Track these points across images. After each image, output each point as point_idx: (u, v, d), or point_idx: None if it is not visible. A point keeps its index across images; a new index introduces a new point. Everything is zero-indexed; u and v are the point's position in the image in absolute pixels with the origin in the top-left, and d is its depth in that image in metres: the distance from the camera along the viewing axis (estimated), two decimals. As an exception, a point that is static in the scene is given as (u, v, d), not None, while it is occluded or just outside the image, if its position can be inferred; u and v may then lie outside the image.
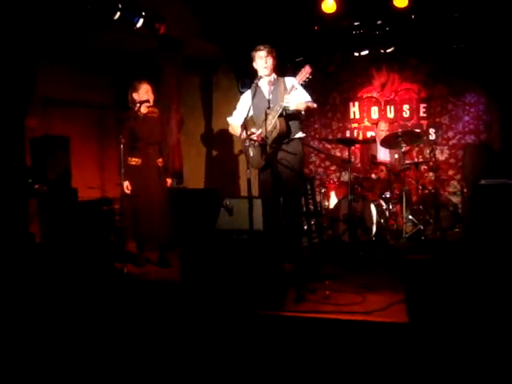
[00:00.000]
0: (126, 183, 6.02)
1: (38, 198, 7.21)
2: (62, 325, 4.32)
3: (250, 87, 5.76)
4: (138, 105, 6.02)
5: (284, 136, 5.43)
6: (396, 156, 8.00)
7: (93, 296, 4.76)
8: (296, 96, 5.36)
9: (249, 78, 6.95)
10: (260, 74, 5.61)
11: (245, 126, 5.26)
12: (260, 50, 5.56)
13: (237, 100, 6.01)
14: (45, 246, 6.98)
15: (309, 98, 5.58)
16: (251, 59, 5.68)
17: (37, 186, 7.13)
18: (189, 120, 9.04)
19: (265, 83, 5.66)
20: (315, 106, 5.66)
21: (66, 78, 8.37)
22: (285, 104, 5.28)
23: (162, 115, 6.43)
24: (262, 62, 5.57)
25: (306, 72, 5.13)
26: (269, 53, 5.55)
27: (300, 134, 5.65)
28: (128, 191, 6.01)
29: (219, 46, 8.65)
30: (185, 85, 8.92)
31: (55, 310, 4.52)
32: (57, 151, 7.59)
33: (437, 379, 3.23)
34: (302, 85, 5.28)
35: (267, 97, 5.58)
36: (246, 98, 5.78)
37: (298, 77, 5.20)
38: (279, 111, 5.31)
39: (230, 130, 5.95)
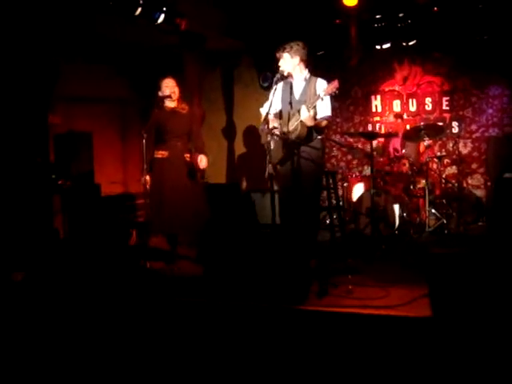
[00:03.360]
0: (148, 177, 5.99)
1: (61, 193, 7.28)
2: (85, 319, 4.36)
3: (271, 81, 5.69)
4: (163, 100, 6.05)
5: (303, 139, 5.33)
6: (419, 149, 7.94)
7: (116, 291, 4.80)
8: (319, 106, 5.29)
9: (270, 71, 6.93)
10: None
11: (267, 119, 5.24)
12: (277, 51, 5.46)
13: (258, 94, 5.99)
14: (68, 242, 7.05)
15: (328, 113, 5.47)
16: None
17: (60, 182, 7.19)
18: (210, 114, 9.06)
19: (297, 80, 5.55)
20: (327, 122, 5.59)
21: (88, 75, 8.40)
22: (302, 119, 5.20)
23: (191, 112, 6.39)
24: (281, 63, 5.47)
25: (333, 86, 5.05)
26: (284, 53, 5.42)
27: (319, 136, 5.55)
28: (147, 186, 5.97)
29: (241, 41, 8.64)
30: (206, 79, 8.95)
31: (78, 305, 4.56)
32: (80, 147, 7.66)
33: (460, 374, 3.21)
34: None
35: (296, 96, 5.50)
36: (277, 90, 5.61)
37: (325, 89, 5.12)
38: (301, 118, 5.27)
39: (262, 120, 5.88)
